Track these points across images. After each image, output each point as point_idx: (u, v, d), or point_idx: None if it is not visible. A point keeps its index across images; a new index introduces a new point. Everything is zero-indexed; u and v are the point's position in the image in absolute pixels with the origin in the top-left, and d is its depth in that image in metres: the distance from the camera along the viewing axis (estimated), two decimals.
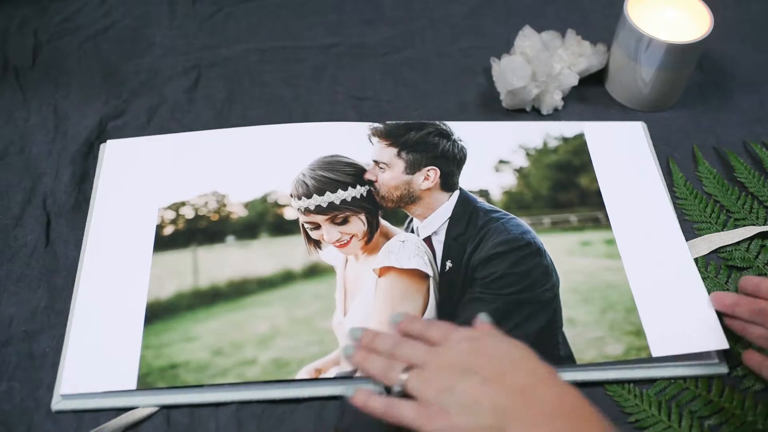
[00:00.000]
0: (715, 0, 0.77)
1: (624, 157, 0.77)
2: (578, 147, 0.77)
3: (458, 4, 0.94)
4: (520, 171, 0.76)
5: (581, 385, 0.62)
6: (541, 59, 0.79)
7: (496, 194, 0.73)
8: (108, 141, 0.77)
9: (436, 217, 0.68)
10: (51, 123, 0.81)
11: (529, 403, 0.48)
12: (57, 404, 0.61)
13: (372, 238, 0.67)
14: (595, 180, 0.75)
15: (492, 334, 0.55)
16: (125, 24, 0.91)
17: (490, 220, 0.67)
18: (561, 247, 0.69)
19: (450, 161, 0.71)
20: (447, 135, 0.73)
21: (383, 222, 0.69)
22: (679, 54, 0.75)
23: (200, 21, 0.92)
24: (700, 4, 0.77)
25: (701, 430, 0.60)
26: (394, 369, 0.53)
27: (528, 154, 0.77)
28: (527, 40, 0.81)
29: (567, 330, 0.64)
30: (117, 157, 0.76)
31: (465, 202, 0.69)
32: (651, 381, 0.63)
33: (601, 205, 0.73)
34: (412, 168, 0.69)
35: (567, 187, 0.75)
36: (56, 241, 0.71)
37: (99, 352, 0.63)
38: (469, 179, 0.72)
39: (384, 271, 0.65)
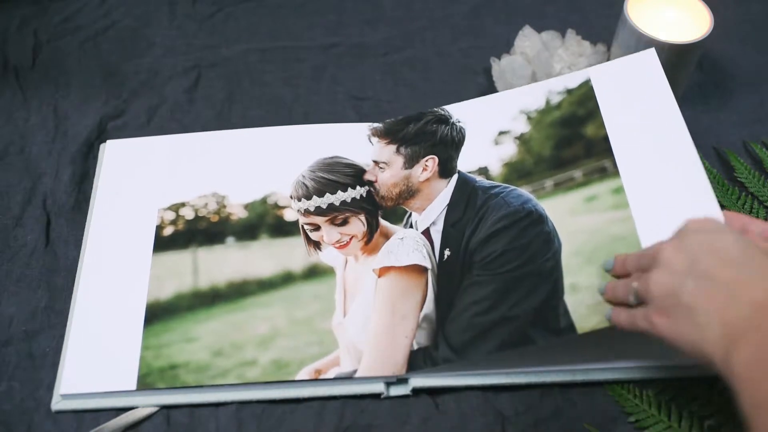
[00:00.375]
0: (715, 0, 0.77)
1: (635, 92, 0.70)
2: (584, 95, 0.71)
3: (458, 4, 0.94)
4: (520, 138, 0.72)
5: (581, 385, 0.62)
6: (541, 59, 0.79)
7: (496, 168, 0.70)
8: (108, 141, 0.77)
9: (433, 207, 0.67)
10: (51, 123, 0.81)
11: (766, 324, 0.41)
12: (57, 404, 0.61)
13: (372, 239, 0.67)
14: (602, 125, 0.69)
15: (738, 233, 0.47)
16: (125, 24, 0.91)
17: (489, 197, 0.66)
18: (564, 208, 0.66)
19: (448, 146, 0.69)
20: (445, 120, 0.71)
21: (383, 222, 0.68)
22: (679, 54, 0.75)
23: (200, 21, 0.92)
24: (700, 4, 0.77)
25: (701, 430, 0.60)
26: (631, 281, 0.51)
27: (529, 118, 0.73)
28: (527, 40, 0.81)
29: (568, 298, 0.61)
30: (117, 157, 0.76)
31: (463, 185, 0.67)
32: (651, 381, 0.62)
33: (608, 152, 0.67)
34: (411, 161, 0.68)
35: (571, 142, 0.70)
36: (56, 241, 0.71)
37: (99, 353, 0.63)
38: (467, 159, 0.70)
39: (384, 271, 0.64)
